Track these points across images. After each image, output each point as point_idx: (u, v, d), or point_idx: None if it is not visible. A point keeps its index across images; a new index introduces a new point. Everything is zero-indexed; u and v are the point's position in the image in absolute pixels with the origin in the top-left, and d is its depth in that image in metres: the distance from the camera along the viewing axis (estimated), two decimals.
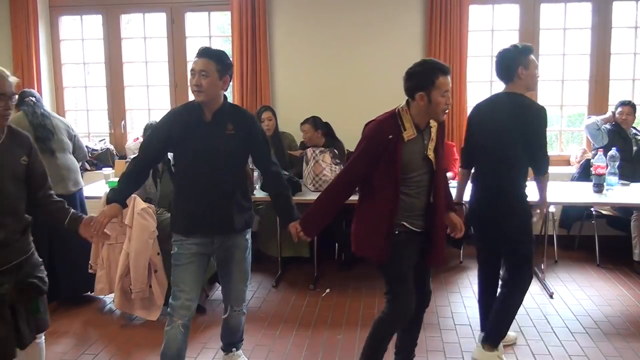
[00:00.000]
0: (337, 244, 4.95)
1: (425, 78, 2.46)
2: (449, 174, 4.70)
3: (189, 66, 5.70)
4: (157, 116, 5.44)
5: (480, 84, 5.55)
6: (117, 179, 4.23)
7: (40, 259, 2.45)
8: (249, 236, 2.79)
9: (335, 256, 4.90)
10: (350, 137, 5.21)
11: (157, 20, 5.83)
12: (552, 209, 4.74)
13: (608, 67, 5.36)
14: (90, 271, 3.85)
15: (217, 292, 4.22)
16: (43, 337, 2.57)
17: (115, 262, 3.69)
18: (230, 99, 6.15)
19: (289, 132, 5.19)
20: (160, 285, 3.67)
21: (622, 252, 4.71)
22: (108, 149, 5.65)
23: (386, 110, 5.97)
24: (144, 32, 5.87)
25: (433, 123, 2.58)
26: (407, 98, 2.54)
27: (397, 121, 2.53)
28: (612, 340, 3.36)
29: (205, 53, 2.56)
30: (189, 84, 2.58)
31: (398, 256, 2.56)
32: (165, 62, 5.78)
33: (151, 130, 2.76)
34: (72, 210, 2.46)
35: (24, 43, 5.59)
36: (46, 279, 2.42)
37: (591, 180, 4.25)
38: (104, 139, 5.86)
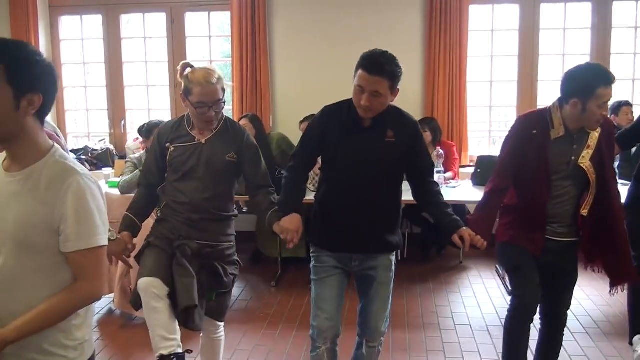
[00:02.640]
0: None
1: (585, 85, 2.28)
2: (449, 174, 4.70)
3: None
4: (156, 116, 5.44)
5: (480, 84, 5.55)
6: (117, 179, 4.24)
7: (237, 260, 2.55)
8: (393, 257, 2.42)
9: None
10: None
11: (157, 20, 5.83)
12: None
13: (608, 67, 5.34)
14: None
15: None
16: (221, 331, 2.64)
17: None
18: (230, 100, 6.17)
19: (277, 132, 5.17)
20: None
21: None
22: (108, 148, 5.66)
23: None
24: (144, 32, 5.87)
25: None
26: (560, 97, 2.38)
27: (545, 117, 2.39)
28: (612, 340, 3.37)
29: (378, 70, 2.15)
30: (354, 98, 2.23)
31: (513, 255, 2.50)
32: (165, 62, 5.78)
33: (304, 134, 2.44)
34: (273, 209, 2.43)
35: None
36: (227, 278, 2.48)
37: None
38: (103, 139, 5.87)
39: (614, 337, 3.39)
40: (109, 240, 2.29)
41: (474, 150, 5.44)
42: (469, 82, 5.32)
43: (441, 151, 4.52)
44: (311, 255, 2.41)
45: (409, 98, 5.32)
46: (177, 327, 2.32)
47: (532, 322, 2.49)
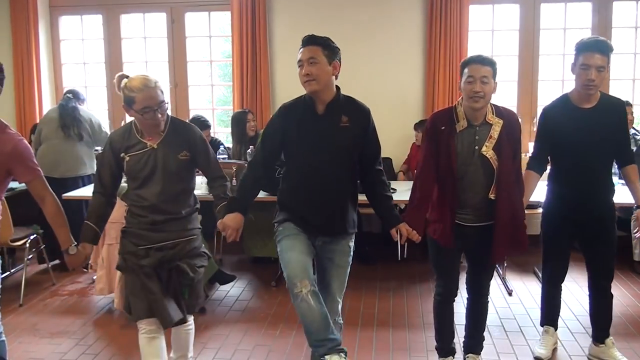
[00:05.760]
0: None
1: (462, 65, 2.57)
2: None
3: (189, 66, 5.82)
4: None
5: None
6: None
7: (203, 252, 2.64)
8: (352, 243, 2.60)
9: None
10: None
11: (157, 20, 5.83)
12: None
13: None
14: (90, 271, 3.85)
15: (217, 292, 4.23)
16: (191, 323, 2.70)
17: (115, 262, 3.68)
18: (230, 100, 6.16)
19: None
20: None
21: (622, 252, 4.70)
22: None
23: (386, 109, 5.97)
24: (144, 32, 5.88)
25: (495, 120, 2.56)
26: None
27: (452, 113, 2.60)
28: None
29: (310, 41, 2.41)
30: (298, 76, 2.42)
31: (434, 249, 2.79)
32: (166, 62, 5.79)
33: (264, 131, 2.60)
34: (223, 204, 2.54)
35: (24, 43, 5.59)
36: (195, 274, 2.57)
37: None
38: None
39: (614, 337, 3.38)
40: (69, 254, 2.46)
41: None
42: None
43: None
44: (276, 228, 2.54)
45: (409, 98, 5.30)
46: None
47: (453, 302, 2.98)
